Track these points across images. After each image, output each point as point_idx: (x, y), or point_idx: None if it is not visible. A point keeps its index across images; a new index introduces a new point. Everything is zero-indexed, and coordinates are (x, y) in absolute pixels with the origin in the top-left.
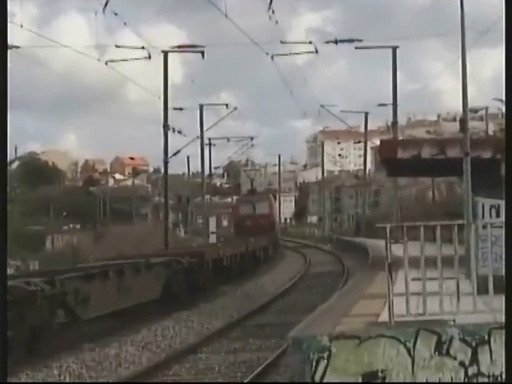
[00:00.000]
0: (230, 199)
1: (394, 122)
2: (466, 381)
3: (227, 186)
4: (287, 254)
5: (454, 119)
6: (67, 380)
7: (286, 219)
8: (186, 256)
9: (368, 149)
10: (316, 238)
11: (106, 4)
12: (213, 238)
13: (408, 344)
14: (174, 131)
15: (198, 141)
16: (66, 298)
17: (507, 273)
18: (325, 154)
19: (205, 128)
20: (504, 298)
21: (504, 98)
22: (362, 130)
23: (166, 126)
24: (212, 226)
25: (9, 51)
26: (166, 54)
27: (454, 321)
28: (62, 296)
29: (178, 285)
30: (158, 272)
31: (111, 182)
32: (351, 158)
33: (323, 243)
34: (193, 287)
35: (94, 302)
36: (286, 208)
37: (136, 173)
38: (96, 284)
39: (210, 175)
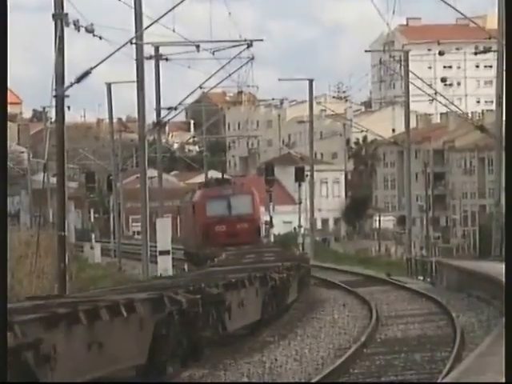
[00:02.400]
0: (200, 178)
1: None
2: None
3: (197, 149)
4: (325, 309)
5: None
6: None
7: (325, 222)
8: None
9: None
10: (393, 262)
11: None
12: (165, 264)
13: None
14: (76, 27)
15: (133, 51)
16: None
17: (507, 272)
18: (411, 77)
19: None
20: (504, 297)
21: (504, 98)
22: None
23: (58, 15)
24: (163, 237)
25: None
26: None
27: None
28: None
29: None
30: None
31: None
32: (468, 86)
33: (409, 274)
34: None
35: None
36: (327, 197)
37: None
38: None
39: (159, 125)
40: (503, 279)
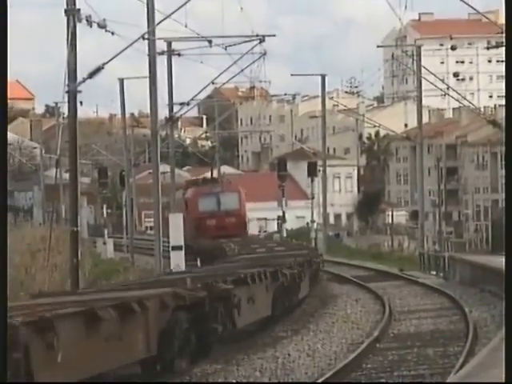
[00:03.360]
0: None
1: None
2: None
3: (209, 144)
4: (338, 304)
5: None
6: None
7: (338, 217)
8: None
9: None
10: (406, 257)
11: None
12: (178, 260)
13: None
14: (88, 22)
15: (145, 47)
16: None
17: (507, 272)
18: (423, 72)
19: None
20: (504, 297)
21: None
22: (499, 19)
23: (70, 11)
24: (176, 232)
25: None
26: None
27: None
28: None
29: None
30: None
31: None
32: (480, 81)
33: (422, 269)
34: None
35: None
36: (340, 192)
37: (8, 117)
38: None
39: (171, 121)
40: None
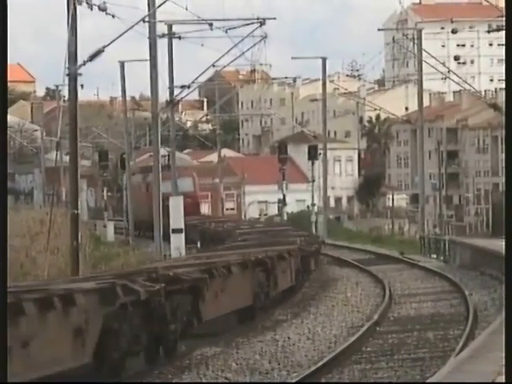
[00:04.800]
0: (213, 156)
1: None
2: None
3: (210, 127)
4: (338, 287)
5: None
6: None
7: (338, 200)
8: None
9: None
10: (407, 241)
11: None
12: (178, 243)
13: None
14: (89, 5)
15: (145, 29)
16: None
17: (507, 271)
18: (424, 55)
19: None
20: (504, 297)
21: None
22: (499, 2)
23: None
24: (176, 215)
25: None
26: None
27: None
28: None
29: None
30: None
31: None
32: (481, 64)
33: (422, 253)
34: None
35: None
36: (341, 175)
37: (9, 100)
38: None
39: (172, 104)
40: None
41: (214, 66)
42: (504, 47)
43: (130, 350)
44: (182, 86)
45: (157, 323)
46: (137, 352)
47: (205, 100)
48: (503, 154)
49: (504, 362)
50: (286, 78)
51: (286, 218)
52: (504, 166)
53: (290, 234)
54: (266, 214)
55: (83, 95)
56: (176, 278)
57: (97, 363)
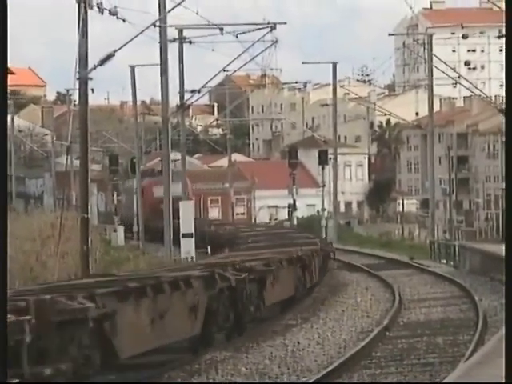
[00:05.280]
0: (223, 161)
1: None
2: None
3: (220, 131)
4: (348, 292)
5: None
6: None
7: (349, 205)
8: None
9: None
10: (416, 246)
11: None
12: (188, 247)
13: None
14: (99, 9)
15: (156, 34)
16: None
17: (507, 271)
18: (434, 60)
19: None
20: (504, 297)
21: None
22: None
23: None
24: (186, 220)
25: None
26: None
27: None
28: None
29: None
30: None
31: None
32: (491, 70)
33: (432, 258)
34: None
35: None
36: (351, 180)
37: (20, 104)
38: None
39: (182, 108)
40: None
41: (224, 70)
42: (504, 47)
43: (223, 327)
44: (193, 91)
45: (240, 305)
46: (227, 328)
47: (215, 104)
48: None
49: (504, 362)
50: (296, 82)
51: (295, 222)
52: (504, 170)
53: (294, 236)
54: (276, 219)
55: (94, 99)
56: (252, 269)
57: (200, 336)
